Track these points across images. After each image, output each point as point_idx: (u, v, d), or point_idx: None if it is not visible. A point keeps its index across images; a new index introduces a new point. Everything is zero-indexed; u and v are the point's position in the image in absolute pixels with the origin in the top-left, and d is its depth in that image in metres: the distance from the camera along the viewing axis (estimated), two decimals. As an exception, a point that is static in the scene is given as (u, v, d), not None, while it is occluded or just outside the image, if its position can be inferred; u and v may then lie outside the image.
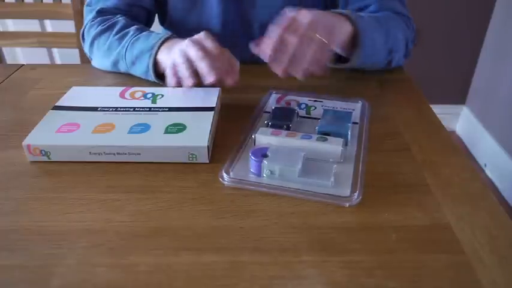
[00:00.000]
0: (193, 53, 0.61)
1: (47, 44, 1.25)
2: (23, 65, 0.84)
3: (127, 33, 0.73)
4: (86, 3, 0.83)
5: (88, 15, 0.80)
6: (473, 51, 1.87)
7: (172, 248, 0.42)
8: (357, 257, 0.41)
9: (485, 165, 1.76)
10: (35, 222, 0.45)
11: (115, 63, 0.74)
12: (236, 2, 0.81)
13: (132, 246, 0.42)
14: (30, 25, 1.60)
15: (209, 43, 0.63)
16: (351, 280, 0.38)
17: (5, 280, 0.39)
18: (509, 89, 1.66)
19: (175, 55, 0.64)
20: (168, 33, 0.71)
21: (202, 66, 0.61)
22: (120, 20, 0.76)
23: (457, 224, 0.44)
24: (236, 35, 0.81)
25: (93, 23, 0.77)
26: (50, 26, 1.68)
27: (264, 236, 0.43)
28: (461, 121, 2.00)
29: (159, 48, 0.68)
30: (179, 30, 0.81)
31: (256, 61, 0.78)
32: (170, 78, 0.65)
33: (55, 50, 1.78)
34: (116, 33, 0.74)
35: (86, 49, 0.80)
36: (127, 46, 0.71)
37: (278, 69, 0.60)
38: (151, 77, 0.70)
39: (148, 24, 0.86)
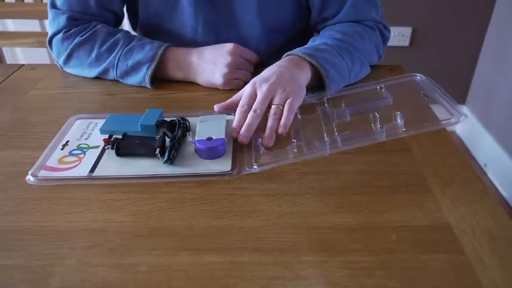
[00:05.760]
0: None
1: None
2: (23, 65, 0.84)
3: (116, 42, 0.73)
4: (49, 4, 0.76)
5: (56, 20, 0.75)
6: (473, 51, 1.87)
7: (172, 248, 0.42)
8: (357, 257, 0.40)
9: (485, 165, 1.76)
10: (35, 222, 0.45)
11: (103, 73, 0.74)
12: (209, 6, 0.77)
13: (132, 246, 0.42)
14: (30, 25, 1.60)
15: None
16: (350, 280, 0.38)
17: (5, 280, 0.39)
18: (509, 89, 1.66)
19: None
20: (161, 43, 0.73)
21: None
22: (100, 28, 0.74)
23: (457, 224, 0.44)
24: (207, 43, 0.76)
25: (68, 33, 0.74)
26: (50, 26, 1.68)
27: (264, 236, 0.43)
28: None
29: (160, 59, 0.71)
30: (152, 35, 0.80)
31: None
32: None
33: (55, 50, 1.78)
34: (103, 44, 0.72)
35: (60, 60, 0.76)
36: (119, 56, 0.72)
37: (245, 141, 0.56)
38: (147, 85, 0.72)
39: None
